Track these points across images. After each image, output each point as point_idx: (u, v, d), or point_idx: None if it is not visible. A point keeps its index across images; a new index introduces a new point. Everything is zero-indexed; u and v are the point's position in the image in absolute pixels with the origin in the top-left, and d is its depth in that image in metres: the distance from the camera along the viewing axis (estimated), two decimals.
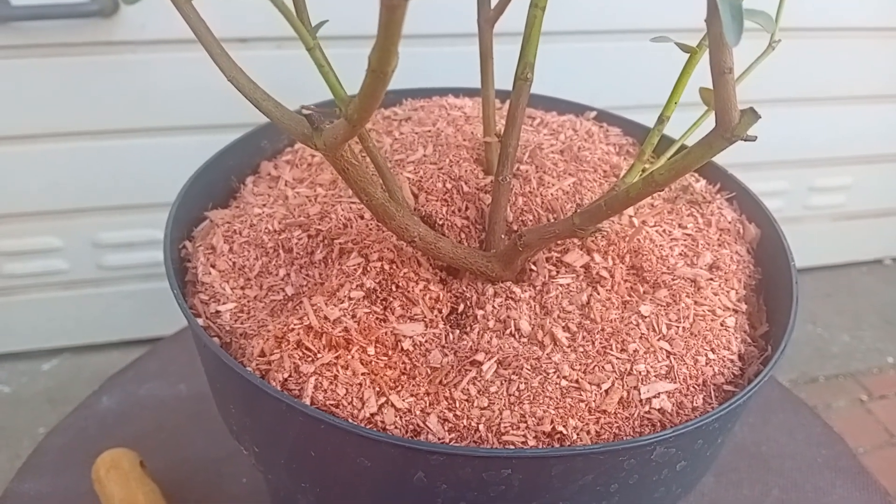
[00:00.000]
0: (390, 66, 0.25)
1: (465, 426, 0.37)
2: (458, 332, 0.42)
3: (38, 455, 0.64)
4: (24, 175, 1.01)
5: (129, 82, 0.97)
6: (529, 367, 0.39)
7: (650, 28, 1.04)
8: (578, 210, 0.39)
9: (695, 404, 0.39)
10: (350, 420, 0.37)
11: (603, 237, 0.46)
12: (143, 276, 1.15)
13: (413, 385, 0.39)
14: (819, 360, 1.35)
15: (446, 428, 0.37)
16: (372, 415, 0.37)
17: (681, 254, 0.46)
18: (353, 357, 0.38)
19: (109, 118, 0.99)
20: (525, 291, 0.43)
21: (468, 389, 0.38)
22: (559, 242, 0.45)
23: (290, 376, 0.38)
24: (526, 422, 0.37)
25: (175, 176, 1.04)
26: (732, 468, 0.66)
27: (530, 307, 0.43)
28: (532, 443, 0.37)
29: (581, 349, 0.40)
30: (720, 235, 0.48)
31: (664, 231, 0.47)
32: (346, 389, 0.37)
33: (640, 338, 0.41)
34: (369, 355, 0.39)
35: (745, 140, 0.32)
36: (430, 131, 0.52)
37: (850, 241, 1.48)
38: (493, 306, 0.42)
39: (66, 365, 1.20)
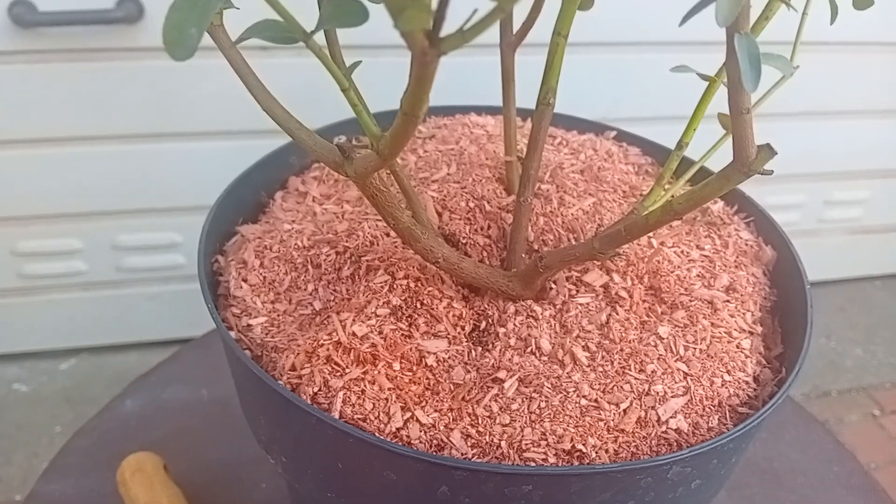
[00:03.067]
0: (421, 111, 0.26)
1: (487, 442, 0.38)
2: (480, 349, 0.43)
3: (63, 456, 0.65)
4: (45, 177, 1.03)
5: (152, 88, 0.99)
6: (550, 386, 0.40)
7: (670, 40, 1.05)
8: (598, 234, 0.40)
9: (710, 425, 0.40)
10: (377, 434, 0.38)
11: (622, 258, 0.47)
12: (162, 278, 1.16)
13: (437, 401, 0.40)
14: (832, 373, 1.35)
15: (469, 443, 0.38)
16: (398, 429, 0.38)
17: (698, 275, 0.47)
18: (379, 372, 0.40)
19: (132, 123, 1.01)
20: (546, 310, 0.44)
21: (490, 406, 0.40)
22: (579, 262, 0.47)
23: (319, 390, 0.39)
24: (546, 439, 0.38)
25: (196, 180, 1.07)
26: (745, 483, 0.66)
27: (550, 326, 0.44)
28: (552, 460, 0.38)
29: (600, 369, 0.41)
30: (737, 257, 0.49)
31: (682, 252, 0.48)
32: (374, 404, 0.39)
33: (658, 358, 0.42)
34: (395, 371, 0.40)
35: (762, 174, 0.33)
36: (453, 149, 0.53)
37: (865, 254, 1.49)
38: (515, 324, 0.44)
39: (84, 365, 1.22)
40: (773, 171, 0.33)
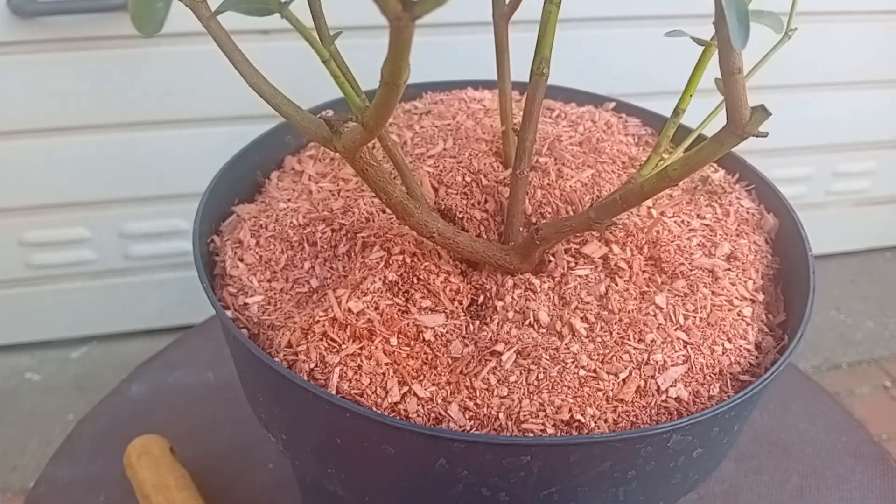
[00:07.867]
0: (402, 79, 0.26)
1: (485, 414, 0.38)
2: (478, 322, 0.43)
3: (71, 441, 0.66)
4: (50, 167, 1.03)
5: (153, 75, 0.99)
6: (548, 357, 0.40)
7: (671, 14, 1.04)
8: (594, 204, 0.40)
9: (711, 393, 0.40)
10: (374, 409, 0.38)
11: (621, 228, 0.46)
12: (169, 265, 1.17)
13: (435, 374, 0.40)
14: (843, 346, 1.34)
15: (467, 416, 0.38)
16: (395, 403, 0.38)
17: (699, 244, 0.47)
18: (376, 348, 0.40)
19: (135, 110, 1.01)
20: (544, 283, 0.44)
21: (488, 379, 0.39)
22: (577, 234, 0.46)
23: (315, 366, 0.39)
24: (545, 410, 0.38)
25: (199, 166, 1.06)
26: (752, 455, 0.66)
27: (549, 298, 0.43)
28: (551, 431, 0.38)
29: (599, 339, 0.41)
30: (738, 226, 0.49)
31: (683, 221, 0.48)
32: (370, 379, 0.38)
33: (658, 328, 0.42)
34: (392, 346, 0.40)
35: (757, 136, 0.32)
36: (449, 125, 0.53)
37: (874, 226, 1.47)
38: (513, 297, 0.43)
39: (94, 353, 1.23)
40: (767, 133, 0.33)
